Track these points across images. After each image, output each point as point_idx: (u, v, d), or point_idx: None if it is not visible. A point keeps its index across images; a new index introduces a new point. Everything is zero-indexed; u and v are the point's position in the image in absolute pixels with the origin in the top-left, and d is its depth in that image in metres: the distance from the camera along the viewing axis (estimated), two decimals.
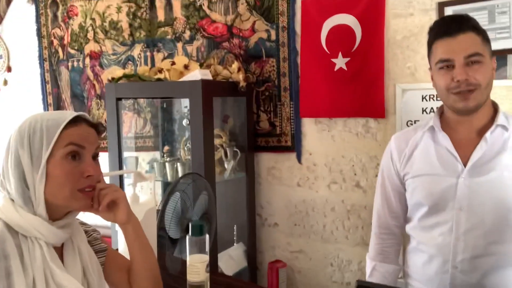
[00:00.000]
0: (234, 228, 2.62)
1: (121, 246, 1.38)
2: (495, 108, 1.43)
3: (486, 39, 1.34)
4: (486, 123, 1.40)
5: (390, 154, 1.59)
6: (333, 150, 2.48)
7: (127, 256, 1.22)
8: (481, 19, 1.99)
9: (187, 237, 1.17)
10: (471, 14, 2.02)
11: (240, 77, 2.50)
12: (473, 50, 1.29)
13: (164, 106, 2.96)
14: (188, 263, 1.17)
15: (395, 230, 1.60)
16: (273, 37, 2.59)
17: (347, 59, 2.36)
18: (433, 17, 2.16)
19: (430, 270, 1.45)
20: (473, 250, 1.36)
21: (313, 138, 2.54)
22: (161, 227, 1.74)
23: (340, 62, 2.38)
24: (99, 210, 1.11)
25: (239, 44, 2.69)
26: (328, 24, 2.41)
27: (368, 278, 1.61)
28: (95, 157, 1.10)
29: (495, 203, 1.34)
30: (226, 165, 2.62)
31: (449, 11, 2.11)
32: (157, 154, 3.03)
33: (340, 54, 2.37)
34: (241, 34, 2.68)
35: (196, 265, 1.15)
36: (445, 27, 1.33)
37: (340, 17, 2.38)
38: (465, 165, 1.38)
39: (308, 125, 2.54)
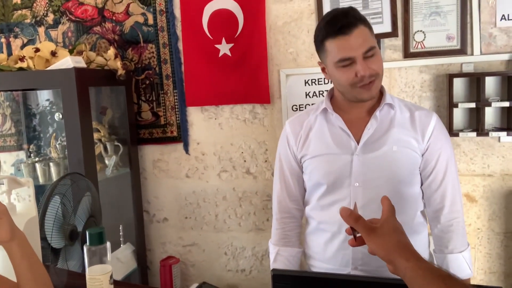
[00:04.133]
0: (120, 228, 2.44)
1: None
2: (381, 90, 1.50)
3: (371, 29, 1.39)
4: (374, 103, 1.47)
5: (286, 138, 1.59)
6: (222, 138, 2.43)
7: (12, 278, 1.02)
8: (356, 4, 2.10)
9: (85, 247, 1.02)
10: (346, 2, 2.14)
11: (118, 64, 2.30)
12: (369, 44, 1.34)
13: (26, 99, 2.62)
14: (87, 276, 1.02)
15: (295, 213, 1.61)
16: (151, 21, 2.44)
17: (231, 45, 2.32)
18: (311, 2, 2.22)
19: (332, 247, 1.49)
20: None
21: (200, 127, 2.46)
22: (41, 237, 1.52)
23: (224, 48, 2.33)
24: None
25: (112, 29, 2.48)
26: (209, 9, 2.33)
27: (272, 264, 1.60)
28: None
29: (387, 176, 1.42)
30: (107, 161, 2.41)
31: None
32: (21, 154, 2.67)
33: (223, 39, 2.32)
34: (114, 18, 2.47)
35: (98, 278, 1.01)
36: (338, 25, 1.34)
37: (221, 2, 2.32)
38: (358, 142, 1.44)
39: (195, 114, 2.46)
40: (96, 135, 2.40)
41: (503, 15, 2.01)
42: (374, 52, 1.35)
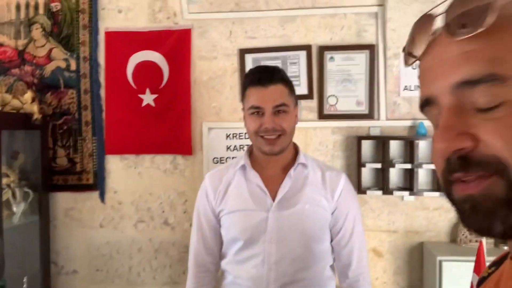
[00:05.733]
0: (24, 280, 2.26)
1: None
2: (296, 148, 1.60)
3: (292, 90, 1.50)
4: (289, 162, 1.56)
5: (205, 192, 1.62)
6: (140, 187, 2.40)
7: None
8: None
9: None
10: (267, 62, 2.27)
11: (34, 108, 2.23)
12: (281, 101, 1.44)
13: None
14: None
15: (211, 267, 1.62)
16: (73, 67, 2.41)
17: (155, 95, 2.35)
18: (235, 62, 2.34)
19: None
20: (283, 278, 1.47)
21: (119, 176, 2.41)
22: None
23: (147, 98, 2.35)
24: None
25: (32, 72, 2.42)
26: (135, 59, 2.37)
27: None
28: None
29: (300, 233, 1.49)
30: (14, 208, 2.27)
31: (249, 58, 2.31)
32: None
33: (147, 90, 2.35)
34: (35, 61, 2.41)
35: None
36: (259, 76, 1.45)
37: (146, 54, 2.36)
38: (273, 199, 1.50)
39: (113, 162, 2.41)
40: (5, 180, 2.26)
41: (406, 86, 2.24)
42: (285, 109, 1.44)
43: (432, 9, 0.48)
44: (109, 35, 2.39)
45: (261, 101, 1.43)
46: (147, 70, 2.35)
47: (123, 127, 2.36)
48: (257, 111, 1.44)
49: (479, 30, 0.41)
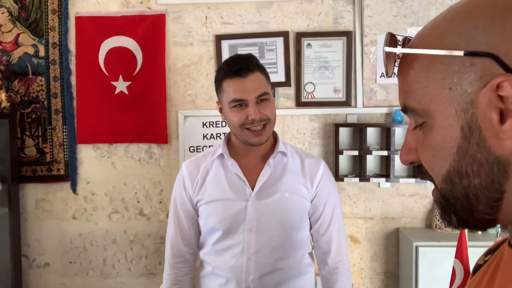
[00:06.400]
0: None
1: None
2: (275, 136, 1.58)
3: (268, 77, 1.48)
4: (268, 150, 1.53)
5: (182, 181, 1.58)
6: (114, 177, 2.34)
7: None
8: (253, 53, 2.20)
9: None
10: (244, 49, 2.24)
11: (2, 96, 2.14)
12: (262, 89, 1.41)
13: None
14: None
15: (189, 257, 1.59)
16: (42, 53, 2.31)
17: (128, 82, 2.28)
18: (211, 48, 2.29)
19: None
20: (263, 268, 1.46)
21: (91, 166, 2.35)
22: None
23: (120, 85, 2.28)
24: None
25: None
26: (107, 45, 2.29)
27: None
28: None
29: (279, 222, 1.47)
30: None
31: (225, 44, 2.26)
32: None
33: (120, 77, 2.28)
34: (1, 47, 2.31)
35: None
36: (236, 67, 1.41)
37: (119, 39, 2.29)
38: (253, 188, 1.48)
39: (85, 152, 2.34)
40: None
41: (382, 73, 2.24)
42: (267, 97, 1.42)
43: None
44: (80, 20, 2.30)
45: (243, 93, 1.39)
46: (120, 56, 2.27)
47: (95, 115, 2.29)
48: (240, 103, 1.40)
49: (391, 75, 0.51)
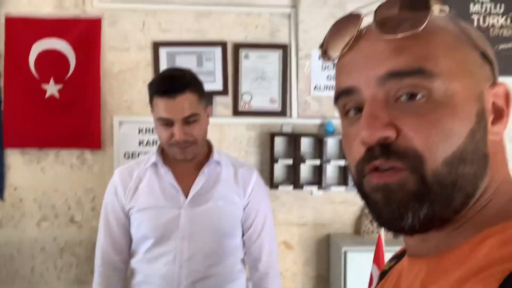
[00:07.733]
0: None
1: None
2: (209, 146, 1.60)
3: (201, 95, 1.47)
4: (203, 158, 1.55)
5: (114, 188, 1.56)
6: (44, 183, 2.26)
7: None
8: (191, 62, 2.22)
9: None
10: (182, 58, 2.24)
11: None
12: (190, 111, 1.41)
13: None
14: None
15: (120, 265, 1.57)
16: None
17: (60, 86, 2.22)
18: (148, 54, 2.28)
19: None
20: (195, 274, 1.47)
21: (19, 171, 2.25)
22: None
23: (51, 88, 2.21)
24: None
25: None
26: (38, 47, 2.21)
27: None
28: None
29: (212, 229, 1.50)
30: None
31: (163, 51, 2.26)
32: None
33: (52, 80, 2.21)
34: None
35: None
36: (164, 86, 1.40)
37: (51, 41, 2.22)
38: (186, 196, 1.49)
39: (13, 156, 2.25)
40: None
41: (316, 85, 2.33)
42: (196, 118, 1.42)
43: (358, 8, 0.52)
44: (10, 21, 2.21)
45: (169, 113, 1.39)
46: (52, 59, 2.20)
47: (24, 119, 2.20)
48: (166, 122, 1.41)
49: (416, 31, 0.44)
